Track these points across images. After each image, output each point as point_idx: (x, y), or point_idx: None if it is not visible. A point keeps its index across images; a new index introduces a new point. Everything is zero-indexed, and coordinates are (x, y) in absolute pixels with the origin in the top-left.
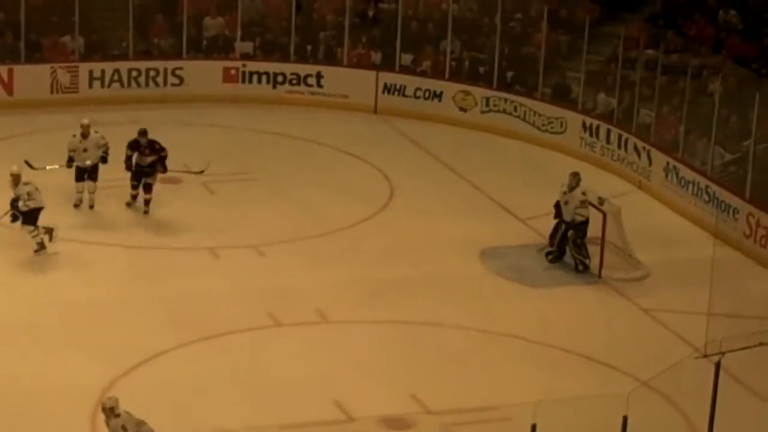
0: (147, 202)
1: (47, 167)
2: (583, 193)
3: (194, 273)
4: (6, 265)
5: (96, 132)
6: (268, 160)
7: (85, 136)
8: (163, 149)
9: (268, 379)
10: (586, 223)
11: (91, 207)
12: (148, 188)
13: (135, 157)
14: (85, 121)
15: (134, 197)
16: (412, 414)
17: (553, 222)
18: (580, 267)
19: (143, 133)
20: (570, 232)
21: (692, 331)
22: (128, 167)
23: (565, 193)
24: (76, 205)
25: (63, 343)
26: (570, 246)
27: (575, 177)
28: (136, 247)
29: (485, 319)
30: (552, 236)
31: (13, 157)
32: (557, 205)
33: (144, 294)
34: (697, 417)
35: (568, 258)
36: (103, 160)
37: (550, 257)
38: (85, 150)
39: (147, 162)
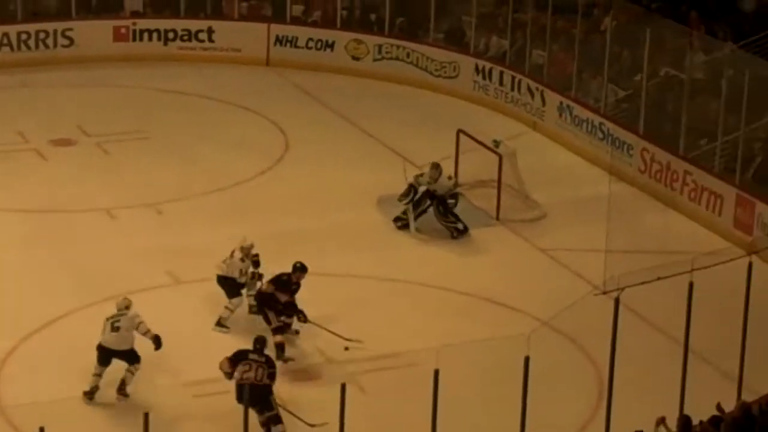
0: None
1: None
2: (450, 177)
3: (92, 234)
4: None
5: None
6: (162, 118)
7: None
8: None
9: (170, 337)
10: (449, 197)
11: None
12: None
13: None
14: None
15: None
16: (316, 365)
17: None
18: (455, 234)
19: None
20: (430, 207)
21: (591, 269)
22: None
23: (429, 183)
24: None
25: None
26: (437, 218)
27: (437, 169)
28: (31, 210)
29: (386, 266)
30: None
31: None
32: (412, 188)
33: (42, 257)
34: (598, 353)
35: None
36: None
37: (399, 224)
38: None
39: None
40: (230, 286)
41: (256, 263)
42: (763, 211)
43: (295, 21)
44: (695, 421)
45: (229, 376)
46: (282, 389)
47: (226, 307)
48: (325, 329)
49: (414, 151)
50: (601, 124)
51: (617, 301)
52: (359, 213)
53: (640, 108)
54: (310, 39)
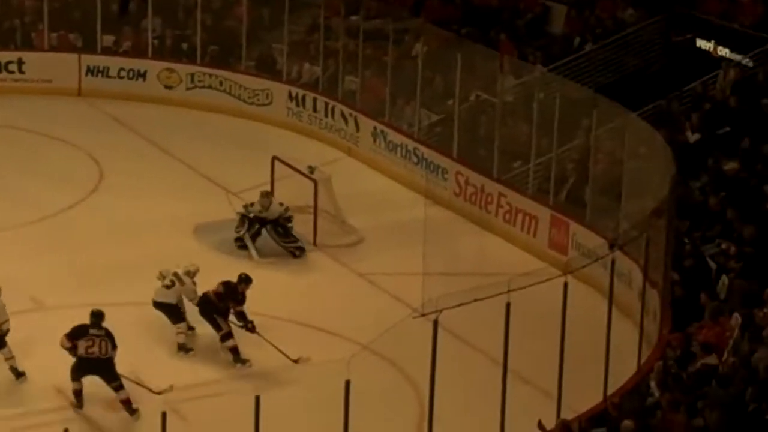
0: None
1: None
2: (281, 204)
3: None
4: None
5: None
6: None
7: None
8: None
9: None
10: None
11: None
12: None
13: None
14: None
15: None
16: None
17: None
18: (297, 252)
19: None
20: (267, 229)
21: (409, 292)
22: None
23: (261, 211)
24: None
25: None
26: (275, 240)
27: (267, 197)
28: None
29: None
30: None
31: None
32: (244, 218)
33: None
34: (418, 375)
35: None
36: None
37: (239, 243)
38: None
39: None
40: (171, 311)
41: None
42: (577, 231)
43: (106, 51)
44: None
45: (73, 351)
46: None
47: (179, 333)
48: (272, 344)
49: (230, 178)
50: (415, 148)
51: (436, 324)
52: (176, 242)
53: (453, 132)
54: (122, 69)
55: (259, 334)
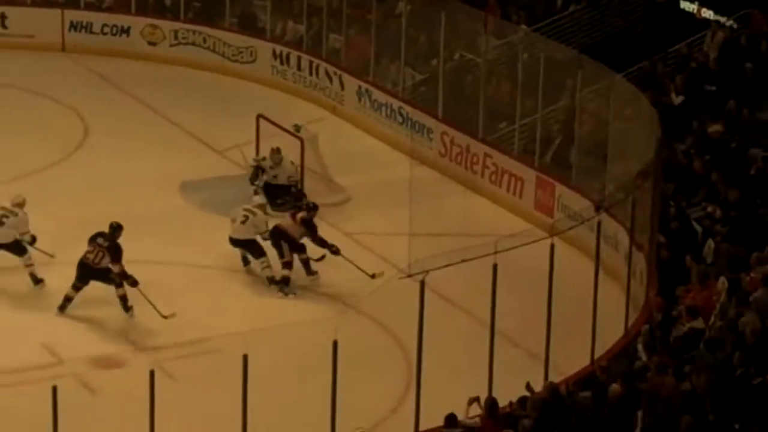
0: None
1: None
2: (292, 162)
3: None
4: None
5: None
6: None
7: None
8: None
9: None
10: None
11: None
12: None
13: None
14: None
15: None
16: (122, 352)
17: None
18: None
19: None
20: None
21: (395, 253)
22: None
23: (272, 167)
24: None
25: None
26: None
27: (278, 153)
28: None
29: (191, 253)
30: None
31: None
32: (258, 169)
33: None
34: (406, 336)
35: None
36: None
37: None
38: None
39: None
40: (252, 246)
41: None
42: (563, 193)
43: (90, 6)
44: (505, 402)
45: None
46: (88, 376)
47: (265, 267)
48: (353, 263)
49: (214, 137)
50: (400, 108)
51: (422, 284)
52: (163, 199)
53: (438, 92)
54: (105, 24)
55: (343, 257)
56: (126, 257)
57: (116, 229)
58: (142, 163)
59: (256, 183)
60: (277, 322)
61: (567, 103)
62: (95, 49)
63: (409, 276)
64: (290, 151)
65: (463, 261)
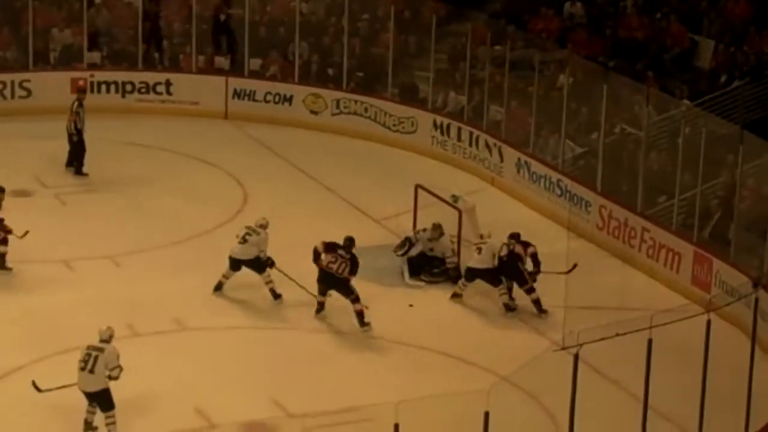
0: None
1: None
2: (452, 241)
3: (49, 286)
4: None
5: None
6: (120, 170)
7: None
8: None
9: (128, 390)
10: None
11: None
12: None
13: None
14: None
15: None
16: (273, 418)
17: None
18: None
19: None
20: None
21: (549, 325)
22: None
23: (430, 239)
24: None
25: None
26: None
27: (438, 229)
28: None
29: (343, 320)
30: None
31: None
32: (407, 241)
33: None
34: (557, 409)
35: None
36: None
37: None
38: None
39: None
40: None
41: None
42: (721, 269)
43: (253, 75)
44: None
45: (316, 257)
46: None
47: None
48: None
49: (373, 206)
50: (559, 180)
51: (576, 357)
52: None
53: (597, 164)
54: (268, 92)
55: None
56: (273, 322)
57: (352, 242)
58: (299, 229)
59: (399, 253)
60: (429, 392)
61: (727, 178)
62: (257, 117)
63: (563, 349)
64: (448, 221)
65: (618, 335)
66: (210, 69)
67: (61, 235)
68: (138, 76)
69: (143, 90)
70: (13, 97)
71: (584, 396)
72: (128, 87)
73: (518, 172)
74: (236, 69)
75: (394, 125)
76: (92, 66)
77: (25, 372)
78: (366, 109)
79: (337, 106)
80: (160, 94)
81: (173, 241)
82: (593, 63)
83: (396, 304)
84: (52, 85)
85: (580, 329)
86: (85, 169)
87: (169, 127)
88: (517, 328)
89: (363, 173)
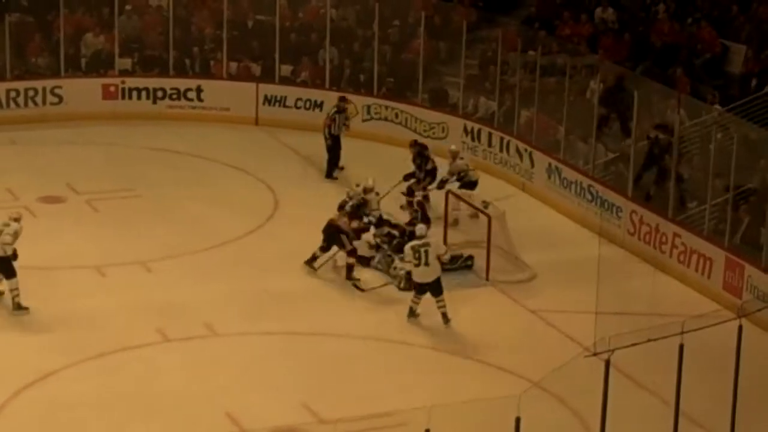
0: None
1: None
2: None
3: (81, 291)
4: None
5: None
6: (151, 176)
7: None
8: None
9: (158, 396)
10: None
11: None
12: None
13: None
14: None
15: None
16: (305, 424)
17: None
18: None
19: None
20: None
21: (581, 330)
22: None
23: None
24: None
25: None
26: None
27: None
28: (20, 267)
29: (373, 326)
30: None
31: None
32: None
33: (30, 314)
34: (589, 415)
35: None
36: None
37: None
38: None
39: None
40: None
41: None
42: (753, 274)
43: (284, 81)
44: None
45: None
46: None
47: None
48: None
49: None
50: (590, 186)
51: (608, 363)
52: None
53: (628, 170)
54: (299, 99)
55: None
56: (306, 328)
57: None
58: None
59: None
60: (460, 397)
61: (759, 183)
62: (288, 123)
63: (595, 354)
64: (478, 227)
65: (649, 340)
66: (241, 75)
67: (92, 241)
68: (169, 83)
69: (174, 96)
70: (44, 103)
71: (615, 401)
72: (159, 93)
73: (549, 177)
74: (267, 75)
75: (424, 131)
76: (123, 72)
77: (58, 377)
78: (397, 115)
79: (368, 112)
80: (191, 100)
81: (204, 246)
82: (623, 68)
83: (426, 309)
84: (84, 92)
85: (611, 335)
86: (335, 174)
87: (200, 134)
88: (549, 334)
89: (393, 179)
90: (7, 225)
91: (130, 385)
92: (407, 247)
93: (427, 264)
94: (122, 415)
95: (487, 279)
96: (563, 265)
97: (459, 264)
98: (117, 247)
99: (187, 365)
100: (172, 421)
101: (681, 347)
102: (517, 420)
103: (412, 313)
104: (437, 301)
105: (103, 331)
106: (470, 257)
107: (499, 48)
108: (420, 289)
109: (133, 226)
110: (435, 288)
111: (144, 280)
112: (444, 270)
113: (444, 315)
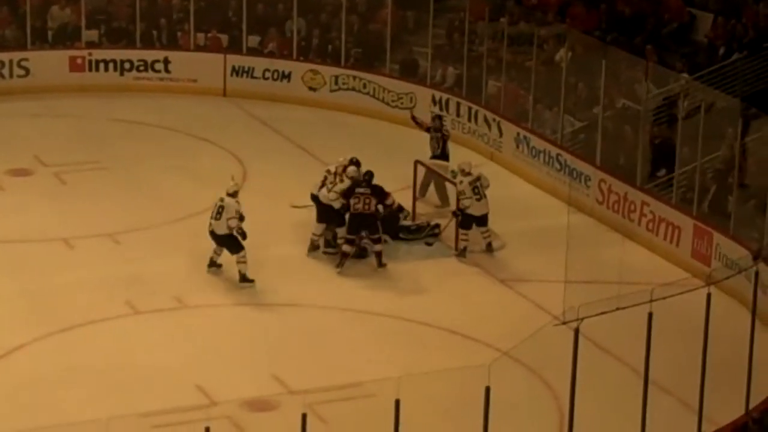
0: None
1: None
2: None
3: (49, 264)
4: None
5: None
6: (119, 148)
7: None
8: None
9: (129, 368)
10: None
11: None
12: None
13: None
14: None
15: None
16: (275, 395)
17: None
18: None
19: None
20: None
21: (550, 300)
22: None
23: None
24: None
25: None
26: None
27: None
28: None
29: (343, 297)
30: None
31: None
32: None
33: None
34: (558, 384)
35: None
36: None
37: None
38: None
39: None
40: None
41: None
42: (721, 242)
43: (252, 52)
44: None
45: (346, 208)
46: (240, 418)
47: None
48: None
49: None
50: (558, 155)
51: (577, 332)
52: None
53: (596, 139)
54: (267, 69)
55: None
56: (275, 299)
57: (371, 175)
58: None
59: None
60: (430, 367)
61: (726, 151)
62: (256, 94)
63: (564, 323)
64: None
65: (618, 309)
66: (208, 46)
67: (60, 214)
68: (136, 54)
69: (141, 68)
70: (11, 76)
71: (585, 370)
72: (126, 65)
73: (517, 147)
74: (234, 46)
75: (392, 101)
76: (90, 44)
77: (27, 351)
78: (364, 85)
79: (336, 83)
80: (159, 71)
81: (173, 218)
82: (591, 37)
83: (397, 280)
84: (51, 64)
85: (580, 304)
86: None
87: (168, 105)
88: (518, 303)
89: (362, 149)
90: None
91: (100, 359)
92: (465, 183)
93: (483, 196)
94: (92, 389)
95: (456, 249)
96: (532, 234)
97: (425, 233)
98: (85, 219)
99: (156, 338)
100: (143, 394)
101: (650, 315)
102: (487, 389)
103: (464, 252)
104: (483, 231)
105: (72, 304)
106: (437, 225)
107: (467, 17)
108: (467, 223)
109: (102, 198)
110: (484, 220)
111: (112, 253)
112: (410, 240)
113: (489, 245)
